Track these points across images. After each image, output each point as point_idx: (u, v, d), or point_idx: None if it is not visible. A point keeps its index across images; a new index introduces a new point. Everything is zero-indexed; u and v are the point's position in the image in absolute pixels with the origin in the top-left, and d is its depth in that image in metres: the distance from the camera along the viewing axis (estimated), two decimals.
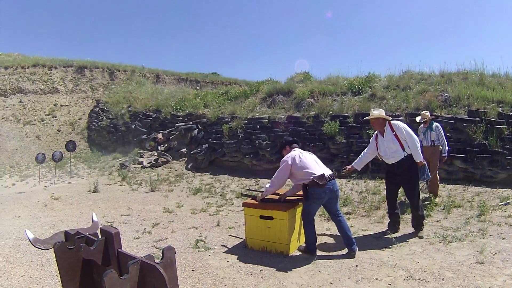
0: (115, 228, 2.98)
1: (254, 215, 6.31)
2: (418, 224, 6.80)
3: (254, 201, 6.42)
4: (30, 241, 3.26)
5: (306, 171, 5.74)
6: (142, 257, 2.64)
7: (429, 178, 6.98)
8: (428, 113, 8.77)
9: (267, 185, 6.18)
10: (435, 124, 8.70)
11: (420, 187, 6.92)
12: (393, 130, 6.49)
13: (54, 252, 3.08)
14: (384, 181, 7.43)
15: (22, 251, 6.82)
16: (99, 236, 3.13)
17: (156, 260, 2.65)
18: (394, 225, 7.01)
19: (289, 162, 5.87)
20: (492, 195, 8.60)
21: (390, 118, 6.68)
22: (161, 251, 2.76)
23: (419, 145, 6.46)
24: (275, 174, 6.01)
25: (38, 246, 3.34)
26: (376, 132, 6.85)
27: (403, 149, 6.43)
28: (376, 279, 5.06)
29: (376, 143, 6.77)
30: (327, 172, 5.84)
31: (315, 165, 5.85)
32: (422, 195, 8.45)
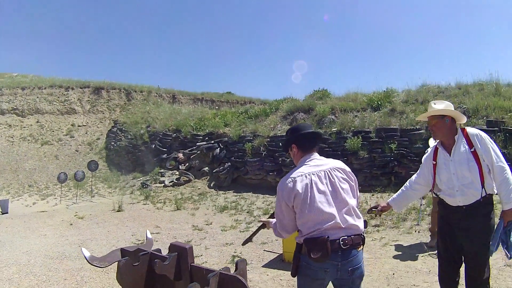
0: (187, 243, 2.93)
1: None
2: None
3: None
4: (86, 259, 3.26)
5: (309, 217, 2.77)
6: (219, 270, 2.66)
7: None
8: None
9: (273, 230, 3.18)
10: None
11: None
12: (471, 145, 3.50)
13: (118, 269, 3.01)
14: None
15: (54, 269, 6.73)
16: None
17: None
18: None
19: (283, 196, 2.87)
20: None
21: (465, 119, 3.73)
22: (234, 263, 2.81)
23: None
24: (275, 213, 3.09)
25: (95, 264, 3.34)
26: (435, 144, 3.84)
27: (482, 184, 3.44)
28: (414, 285, 5.21)
29: (435, 166, 3.73)
30: (346, 229, 2.76)
31: (328, 206, 2.76)
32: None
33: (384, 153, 11.65)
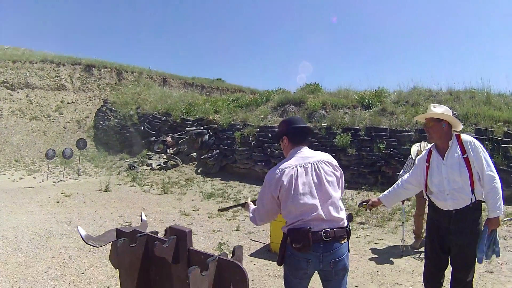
0: (187, 227, 2.99)
1: (279, 220, 6.30)
2: None
3: None
4: (82, 237, 3.24)
5: (292, 208, 2.88)
6: (218, 255, 2.70)
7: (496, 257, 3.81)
8: None
9: (250, 214, 3.31)
10: None
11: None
12: (464, 151, 3.62)
13: (116, 249, 3.07)
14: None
15: (41, 246, 6.80)
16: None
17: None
18: None
19: (270, 186, 2.96)
20: None
21: (461, 126, 3.83)
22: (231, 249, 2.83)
23: (500, 188, 3.62)
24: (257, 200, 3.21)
25: (90, 243, 3.33)
26: (430, 147, 3.96)
27: (472, 190, 3.58)
28: (397, 283, 5.35)
29: (427, 168, 3.86)
30: (328, 222, 2.86)
31: (311, 198, 2.86)
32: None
33: (373, 152, 11.80)
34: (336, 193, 2.96)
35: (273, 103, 16.79)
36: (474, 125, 11.12)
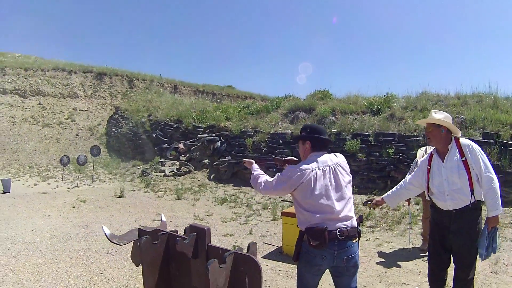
0: (206, 225, 3.19)
1: (291, 224, 6.50)
2: None
3: (293, 211, 6.62)
4: (107, 236, 3.44)
5: (310, 208, 3.15)
6: (234, 250, 2.96)
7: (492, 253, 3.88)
8: None
9: (259, 179, 3.46)
10: None
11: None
12: (462, 154, 3.83)
13: (140, 246, 3.26)
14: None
15: (60, 248, 6.98)
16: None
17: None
18: None
19: (289, 180, 3.18)
20: (505, 214, 8.74)
21: (460, 133, 4.04)
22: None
23: (499, 189, 3.78)
24: (276, 177, 3.32)
25: (114, 241, 3.53)
26: (431, 151, 4.16)
27: (472, 190, 3.77)
28: (404, 283, 5.50)
29: (429, 170, 4.07)
30: (343, 221, 3.14)
31: (328, 199, 3.13)
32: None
33: (382, 157, 11.88)
34: (350, 194, 3.26)
35: (283, 110, 16.94)
36: (481, 129, 11.18)
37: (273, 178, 3.34)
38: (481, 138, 10.71)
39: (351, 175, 3.38)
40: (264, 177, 3.44)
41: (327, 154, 3.34)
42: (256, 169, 3.63)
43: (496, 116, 11.39)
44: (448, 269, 4.08)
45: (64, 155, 16.49)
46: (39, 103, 25.19)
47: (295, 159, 3.73)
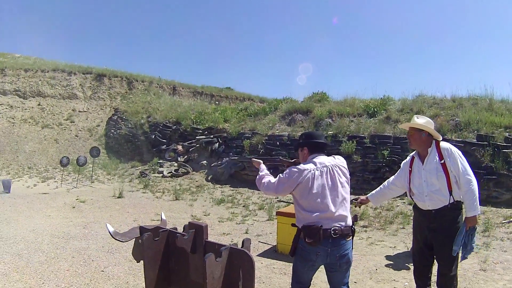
0: (204, 222, 3.39)
1: (286, 223, 6.69)
2: None
3: (288, 211, 6.85)
4: (110, 233, 3.65)
5: (307, 207, 3.36)
6: (230, 245, 3.24)
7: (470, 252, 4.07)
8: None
9: (263, 179, 3.66)
10: None
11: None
12: (441, 157, 4.00)
13: (142, 242, 3.46)
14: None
15: (61, 247, 7.12)
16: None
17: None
18: None
19: (289, 180, 3.38)
20: (497, 214, 8.99)
21: (440, 137, 4.19)
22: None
23: (477, 190, 3.98)
24: (277, 178, 3.50)
25: (117, 238, 3.74)
26: (413, 154, 4.34)
27: (450, 192, 3.96)
28: (394, 280, 5.74)
29: (410, 172, 4.27)
30: (337, 220, 3.34)
31: (324, 198, 3.32)
32: None
33: (377, 159, 12.10)
34: (346, 194, 3.45)
35: (281, 112, 17.17)
36: (475, 131, 11.35)
37: (275, 179, 3.54)
38: (475, 140, 10.94)
39: (349, 177, 3.59)
40: (268, 178, 3.65)
41: (326, 156, 3.55)
42: (263, 169, 3.83)
43: (490, 118, 11.58)
44: (432, 266, 4.30)
45: (64, 156, 16.64)
46: (39, 104, 25.25)
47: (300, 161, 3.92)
